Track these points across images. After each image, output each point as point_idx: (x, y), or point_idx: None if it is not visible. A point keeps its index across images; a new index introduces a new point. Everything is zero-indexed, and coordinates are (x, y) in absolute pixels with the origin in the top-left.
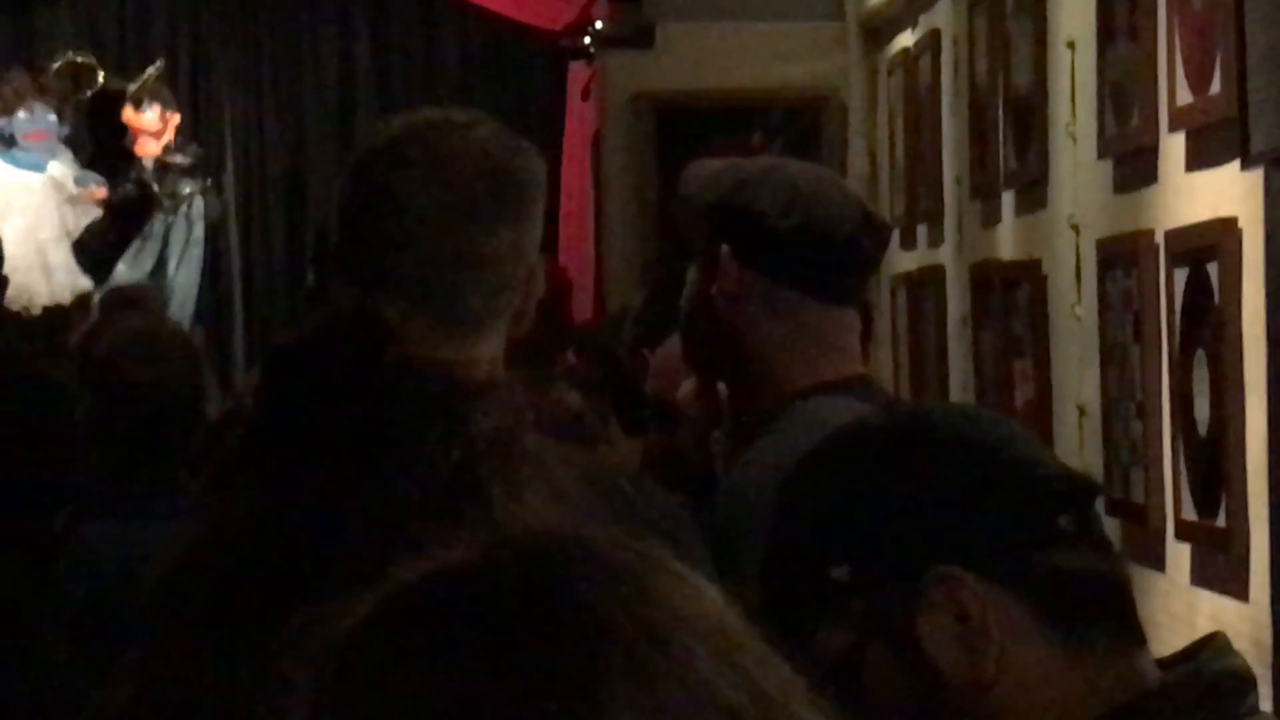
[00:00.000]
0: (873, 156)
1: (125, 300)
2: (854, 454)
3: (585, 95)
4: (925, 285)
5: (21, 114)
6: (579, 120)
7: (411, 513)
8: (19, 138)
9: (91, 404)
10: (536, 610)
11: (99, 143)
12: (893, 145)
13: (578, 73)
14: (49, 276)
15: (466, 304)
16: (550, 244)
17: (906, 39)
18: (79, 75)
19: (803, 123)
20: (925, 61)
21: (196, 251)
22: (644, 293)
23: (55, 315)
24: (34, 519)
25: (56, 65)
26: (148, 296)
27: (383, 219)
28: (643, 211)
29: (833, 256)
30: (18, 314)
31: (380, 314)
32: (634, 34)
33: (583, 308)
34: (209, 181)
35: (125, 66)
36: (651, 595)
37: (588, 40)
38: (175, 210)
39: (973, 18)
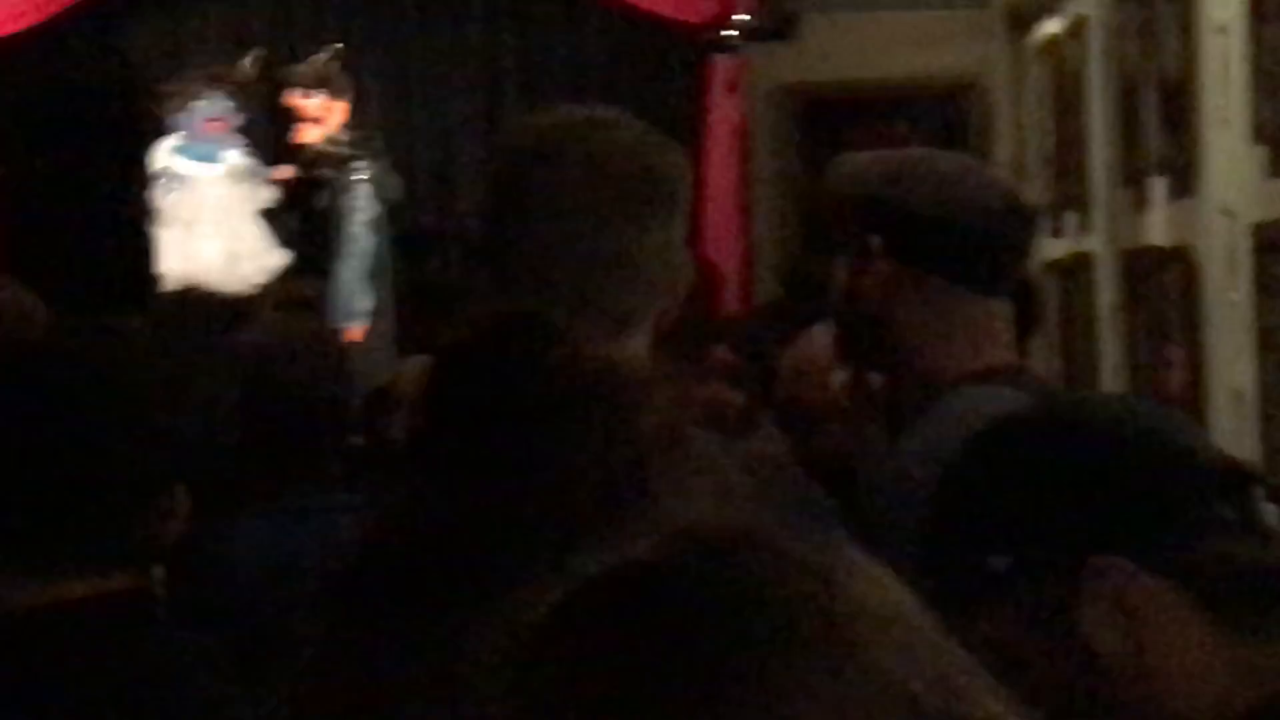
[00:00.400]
0: (1019, 144)
1: (288, 298)
2: (1011, 445)
3: (729, 88)
4: (1074, 273)
5: (202, 102)
6: (723, 113)
7: (582, 510)
8: (199, 125)
9: (239, 402)
10: (721, 604)
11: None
12: (1040, 132)
13: (721, 66)
14: (235, 261)
15: (622, 302)
16: (697, 238)
17: (1053, 25)
18: (262, 67)
19: (948, 111)
20: (1072, 48)
21: (359, 244)
22: (780, 288)
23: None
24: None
25: (247, 59)
26: (309, 294)
27: (538, 219)
28: (789, 203)
29: (982, 245)
30: (200, 297)
31: (544, 313)
32: (777, 26)
33: (731, 301)
34: (383, 161)
35: (274, 61)
36: (833, 585)
37: (731, 33)
38: (337, 199)
39: (1119, 3)
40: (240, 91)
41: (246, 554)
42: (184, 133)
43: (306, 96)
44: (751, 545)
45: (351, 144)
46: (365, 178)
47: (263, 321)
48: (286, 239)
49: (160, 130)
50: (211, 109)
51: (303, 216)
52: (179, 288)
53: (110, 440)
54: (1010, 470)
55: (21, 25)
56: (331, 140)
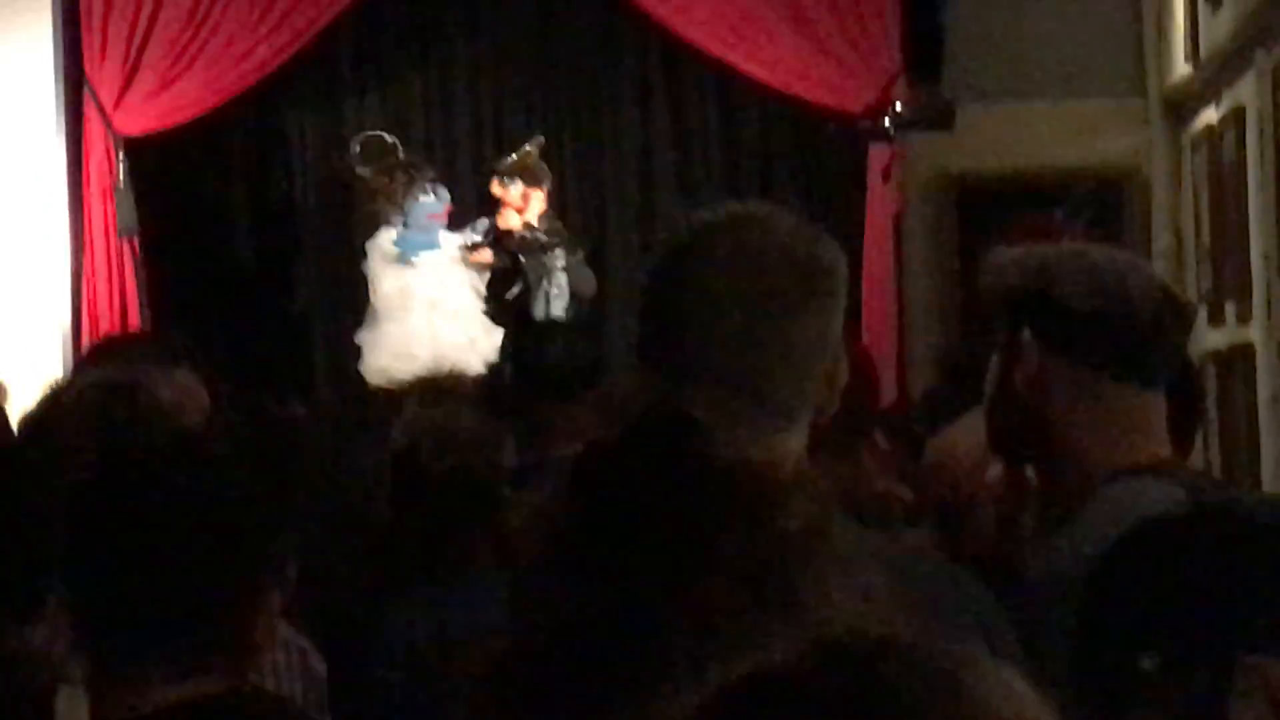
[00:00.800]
0: (1177, 233)
1: (442, 389)
2: (1162, 544)
3: (886, 177)
4: (1234, 363)
5: (426, 197)
6: (880, 202)
7: (723, 613)
8: (425, 218)
9: (394, 485)
10: (856, 713)
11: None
12: (1198, 222)
13: (878, 154)
14: (474, 346)
15: (776, 394)
16: (853, 328)
17: (1210, 115)
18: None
19: (1106, 200)
20: (1230, 137)
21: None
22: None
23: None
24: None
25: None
26: (465, 385)
27: (692, 311)
28: (945, 293)
29: (1136, 339)
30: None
31: (687, 411)
32: (934, 115)
33: (887, 392)
34: (578, 254)
35: (431, 148)
36: (966, 695)
37: (888, 122)
38: (542, 283)
39: (1277, 93)
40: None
41: (400, 633)
42: (407, 226)
43: (507, 185)
44: (885, 655)
45: (549, 233)
46: (562, 266)
47: (417, 410)
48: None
49: (376, 220)
50: (438, 204)
51: (496, 302)
52: (427, 373)
53: (220, 548)
54: (1160, 568)
55: (186, 117)
56: (530, 228)
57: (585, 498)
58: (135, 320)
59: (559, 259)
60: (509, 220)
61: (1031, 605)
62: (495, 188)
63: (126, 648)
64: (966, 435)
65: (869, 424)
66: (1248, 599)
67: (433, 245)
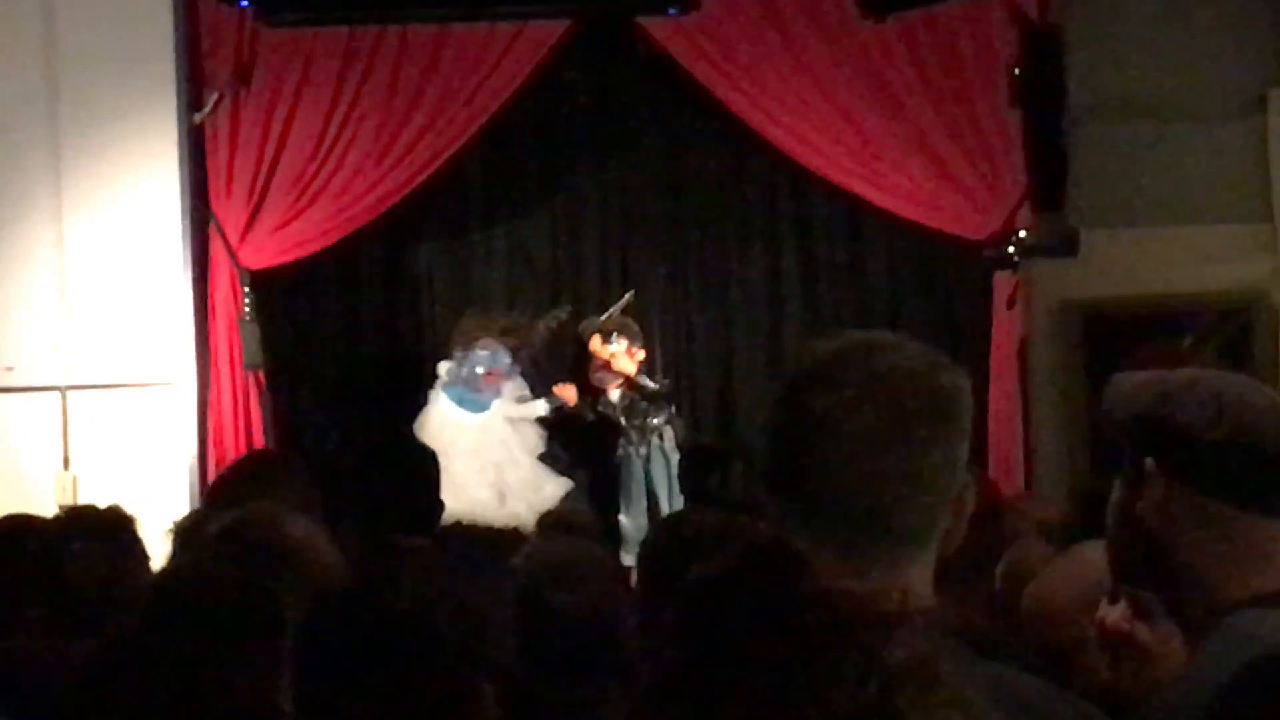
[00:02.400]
0: None
1: (562, 524)
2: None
3: (1011, 304)
4: None
5: (483, 351)
6: (1005, 329)
7: None
8: (478, 374)
9: (517, 622)
10: None
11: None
12: None
13: (1003, 282)
14: (503, 499)
15: (905, 522)
16: (980, 456)
17: None
18: (549, 328)
19: (1233, 326)
20: None
21: (672, 486)
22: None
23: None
24: None
25: (547, 321)
26: (583, 521)
27: (818, 442)
28: (1072, 421)
29: (1262, 468)
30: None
31: (793, 544)
32: (1059, 243)
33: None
34: (674, 410)
35: (558, 287)
36: None
37: (1012, 249)
38: (646, 442)
39: None
40: (520, 345)
41: None
42: (462, 380)
43: (606, 342)
44: None
45: (653, 393)
46: (665, 422)
47: (537, 545)
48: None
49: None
50: (492, 361)
51: (584, 448)
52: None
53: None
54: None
55: (311, 250)
56: (634, 386)
57: (688, 631)
58: None
59: (663, 415)
60: (606, 379)
61: None
62: (595, 344)
63: None
64: (1064, 579)
65: (997, 551)
66: None
67: (482, 407)
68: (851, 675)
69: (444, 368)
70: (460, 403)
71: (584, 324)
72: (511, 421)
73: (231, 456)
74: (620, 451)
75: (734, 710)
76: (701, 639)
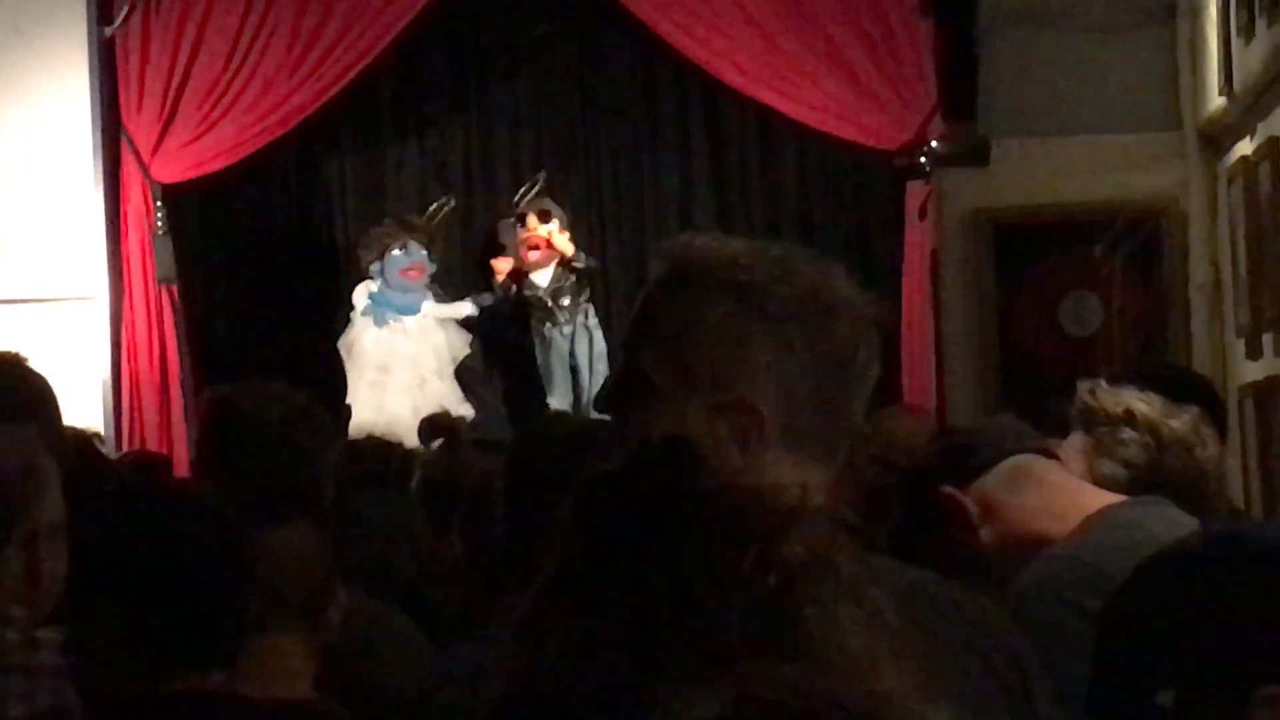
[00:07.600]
0: (1215, 266)
1: (436, 428)
2: (1173, 579)
3: (922, 214)
4: (1272, 394)
5: (396, 251)
6: (916, 239)
7: (729, 640)
8: (395, 273)
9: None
10: None
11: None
12: (1235, 254)
13: (915, 192)
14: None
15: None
16: (893, 364)
17: (1245, 147)
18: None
19: (1143, 234)
20: (1265, 168)
21: (603, 365)
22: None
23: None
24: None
25: (430, 212)
26: (458, 425)
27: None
28: (982, 328)
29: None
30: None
31: (691, 440)
32: (969, 152)
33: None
34: (585, 295)
35: (471, 199)
36: None
37: (923, 159)
38: (572, 321)
39: None
40: (432, 237)
41: (446, 669)
42: (381, 280)
43: (543, 222)
44: (819, 713)
45: (590, 270)
46: (588, 299)
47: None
48: (488, 365)
49: (360, 274)
50: (409, 256)
51: (500, 340)
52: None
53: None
54: (1172, 604)
55: (223, 163)
56: (568, 264)
57: (586, 529)
58: (175, 367)
59: (585, 293)
60: (535, 261)
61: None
62: (533, 222)
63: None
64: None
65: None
66: (1262, 631)
67: (407, 310)
68: (750, 569)
69: (361, 290)
70: (389, 310)
71: (503, 212)
72: (441, 323)
73: (145, 371)
74: (546, 334)
75: (631, 605)
76: (599, 535)
